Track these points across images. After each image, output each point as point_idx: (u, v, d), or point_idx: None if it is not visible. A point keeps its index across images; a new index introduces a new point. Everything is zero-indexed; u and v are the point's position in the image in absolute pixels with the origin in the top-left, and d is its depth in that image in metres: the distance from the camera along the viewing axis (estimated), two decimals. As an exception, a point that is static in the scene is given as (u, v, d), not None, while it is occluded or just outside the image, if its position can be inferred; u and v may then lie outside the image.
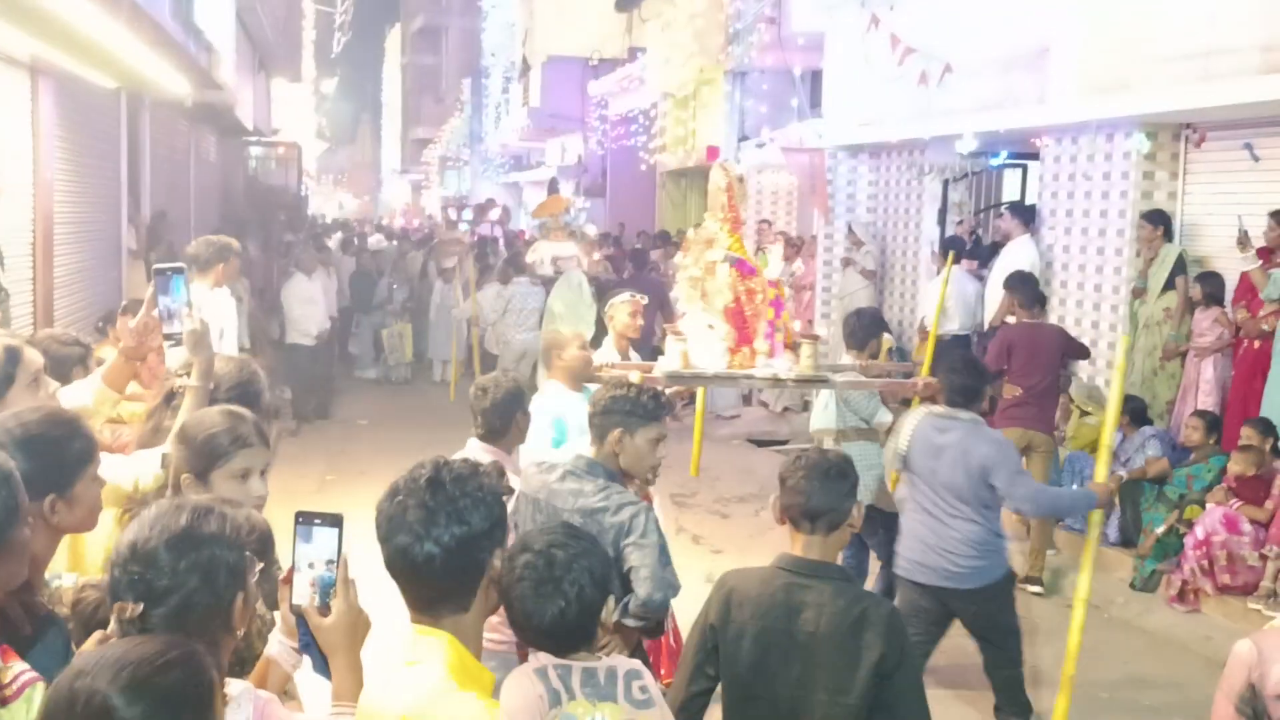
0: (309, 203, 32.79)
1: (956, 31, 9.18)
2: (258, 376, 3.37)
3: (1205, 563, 6.47)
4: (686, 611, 3.15)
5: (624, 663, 2.44)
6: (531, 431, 4.54)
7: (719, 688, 3.00)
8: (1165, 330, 7.90)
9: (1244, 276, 7.30)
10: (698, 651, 2.96)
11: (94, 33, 6.53)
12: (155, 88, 9.56)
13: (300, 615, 2.08)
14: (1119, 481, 6.94)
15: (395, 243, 19.40)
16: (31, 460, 2.19)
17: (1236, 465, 6.62)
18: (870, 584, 5.90)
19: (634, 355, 6.07)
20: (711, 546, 7.76)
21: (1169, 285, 7.85)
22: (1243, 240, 7.13)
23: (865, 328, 6.07)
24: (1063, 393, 7.98)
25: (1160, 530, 6.89)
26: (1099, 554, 6.34)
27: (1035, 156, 9.64)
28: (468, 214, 24.80)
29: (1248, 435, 6.66)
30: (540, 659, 2.36)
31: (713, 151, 14.93)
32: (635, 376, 4.88)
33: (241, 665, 2.19)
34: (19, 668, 1.93)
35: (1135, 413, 7.56)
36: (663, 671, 4.40)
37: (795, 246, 12.66)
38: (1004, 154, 10.75)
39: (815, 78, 12.87)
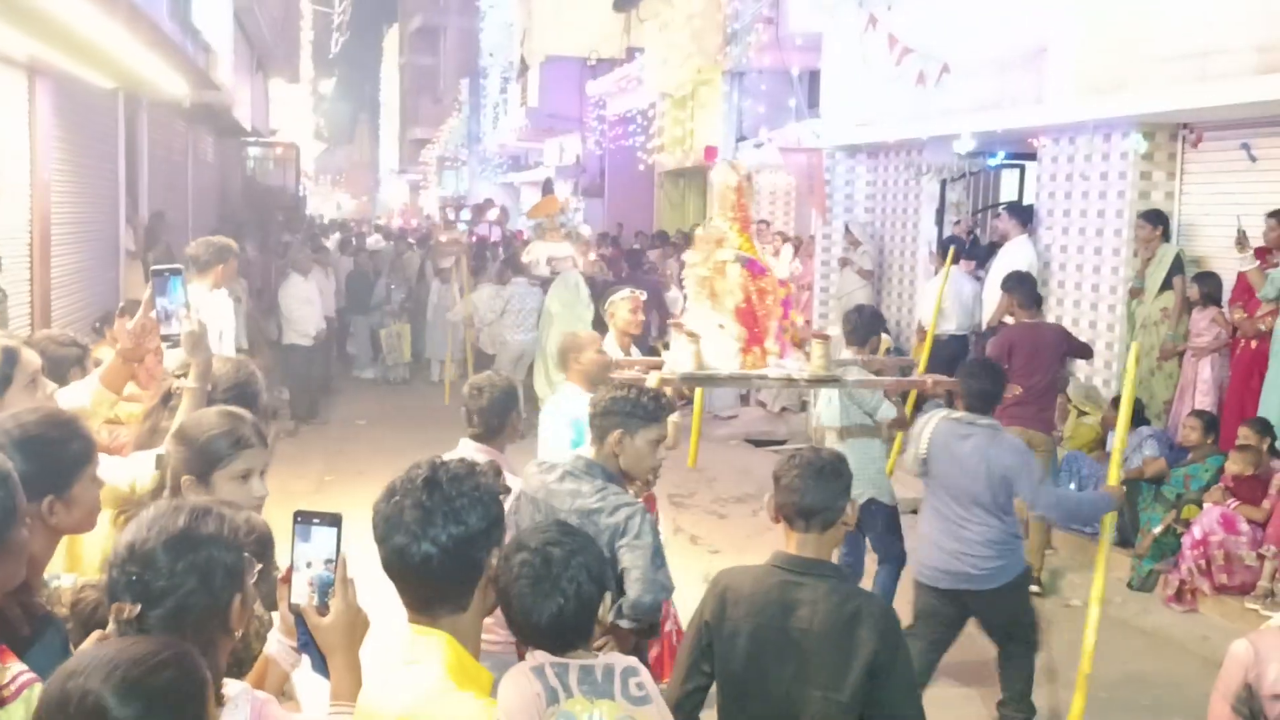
0: (307, 203, 32.77)
1: (954, 31, 9.18)
2: (255, 377, 3.37)
3: (1202, 562, 6.48)
4: (687, 611, 3.17)
5: (620, 660, 2.44)
6: (550, 434, 4.54)
7: (714, 685, 3.01)
8: (1163, 330, 7.91)
9: (1241, 276, 7.30)
10: (693, 649, 2.98)
11: (91, 33, 6.53)
12: (153, 88, 9.55)
13: (299, 614, 2.08)
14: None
15: (392, 243, 19.40)
16: (30, 461, 2.19)
17: (1234, 465, 6.63)
18: (868, 583, 5.90)
19: (634, 351, 6.08)
20: (709, 546, 7.77)
21: (1166, 285, 7.86)
22: (1241, 240, 7.14)
23: (866, 324, 6.12)
24: (1060, 393, 7.99)
25: (1158, 530, 6.90)
26: (1096, 553, 6.36)
27: (1033, 157, 9.65)
28: (466, 214, 24.81)
29: (1245, 435, 6.67)
30: (537, 657, 2.37)
31: (711, 151, 14.93)
32: (653, 379, 4.89)
33: (240, 666, 2.19)
34: (17, 668, 1.93)
35: (1132, 412, 7.57)
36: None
37: (794, 247, 12.68)
38: (1001, 154, 10.76)
39: (813, 78, 12.88)
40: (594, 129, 21.30)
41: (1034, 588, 6.88)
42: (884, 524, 5.82)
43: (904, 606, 6.29)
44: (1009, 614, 4.89)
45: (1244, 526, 6.45)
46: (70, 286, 8.18)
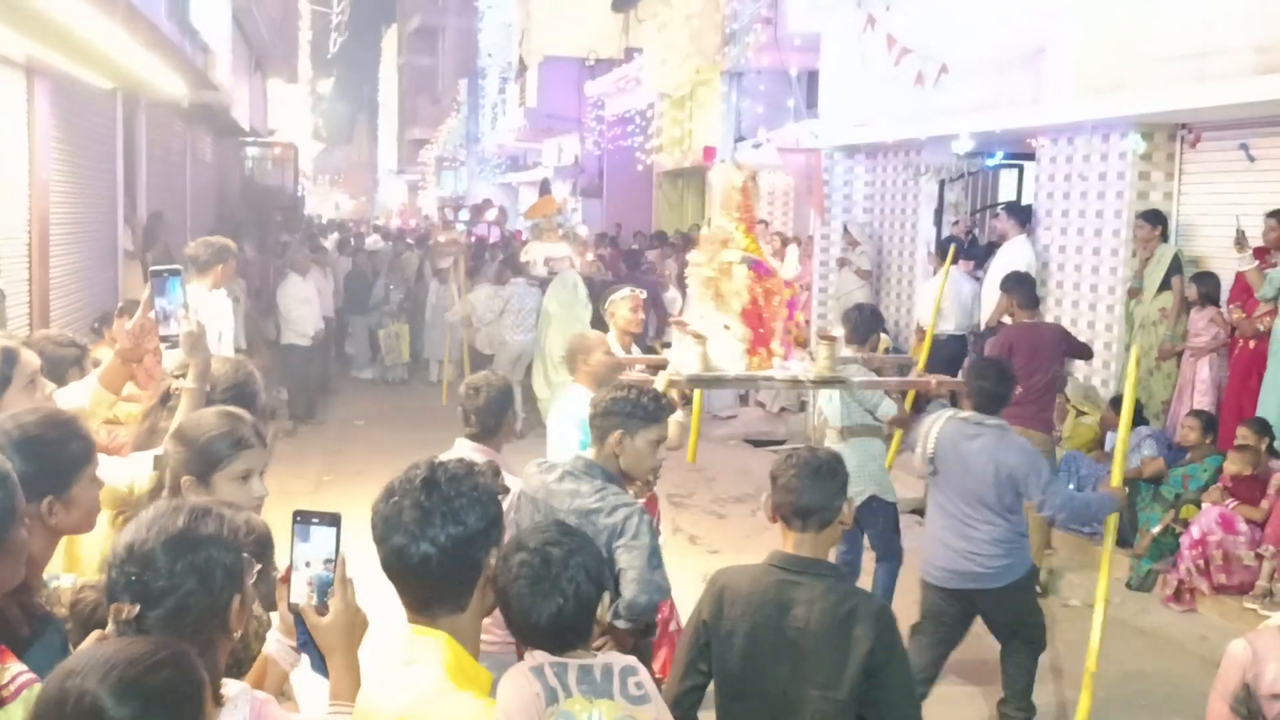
0: (305, 203, 32.76)
1: (952, 32, 9.19)
2: (253, 377, 3.37)
3: (1201, 562, 6.49)
4: (689, 611, 3.18)
5: (619, 659, 2.45)
6: (558, 436, 4.54)
7: (712, 684, 3.01)
8: (1161, 330, 7.92)
9: (1239, 276, 7.31)
10: (690, 648, 3.00)
11: (89, 33, 6.52)
12: (151, 88, 9.55)
13: (298, 614, 2.08)
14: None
15: (390, 244, 19.39)
16: (29, 462, 2.19)
17: (1232, 465, 6.63)
18: (865, 582, 5.92)
19: (635, 350, 6.08)
20: (708, 546, 7.77)
21: (1165, 285, 7.87)
22: (1240, 240, 7.14)
23: (866, 322, 6.17)
24: (1059, 392, 7.99)
25: (1156, 530, 6.90)
26: (1097, 554, 6.37)
27: (1031, 157, 9.66)
28: (464, 214, 24.80)
29: (1244, 435, 6.67)
30: (536, 657, 2.37)
31: (709, 152, 14.94)
32: (661, 380, 4.88)
33: (239, 666, 2.19)
34: (16, 669, 1.93)
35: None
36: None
37: (798, 247, 12.66)
38: (1000, 154, 10.77)
39: (811, 78, 12.88)
40: (592, 129, 21.30)
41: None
42: (884, 521, 5.87)
43: (902, 604, 6.31)
44: (1014, 613, 4.91)
45: (1242, 526, 6.45)
46: (69, 286, 8.18)
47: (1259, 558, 6.36)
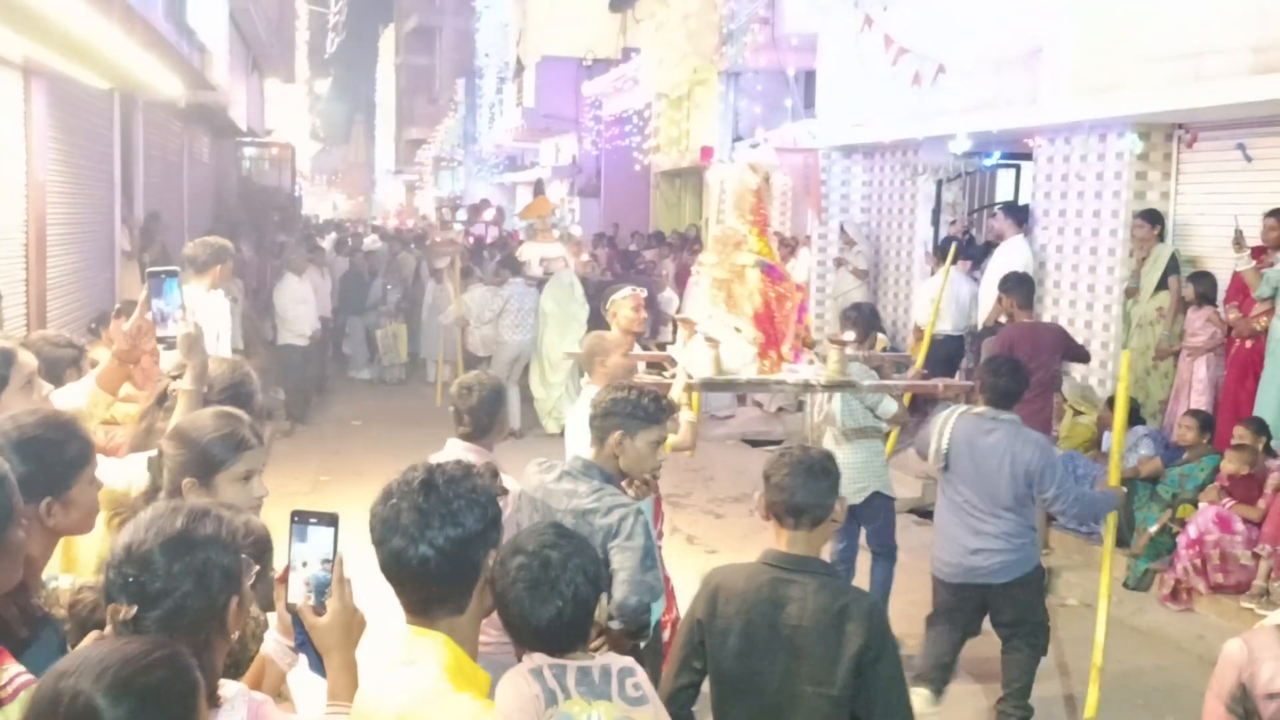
0: (303, 203, 32.75)
1: (949, 32, 9.19)
2: (250, 378, 3.37)
3: (1198, 562, 6.49)
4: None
5: (617, 660, 2.45)
6: (576, 436, 4.52)
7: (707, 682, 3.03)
8: (1158, 330, 7.93)
9: (1236, 276, 7.32)
10: (684, 646, 3.02)
11: (87, 33, 6.52)
12: (148, 88, 9.55)
13: (295, 614, 2.08)
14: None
15: (386, 244, 19.39)
16: (28, 463, 2.20)
17: (1230, 464, 6.64)
18: (861, 580, 5.94)
19: (635, 349, 6.08)
20: (706, 546, 7.78)
21: (1162, 285, 7.88)
22: (1239, 240, 7.14)
23: (865, 321, 6.22)
24: (1056, 392, 8.00)
25: (1153, 529, 6.90)
26: (1094, 553, 6.39)
27: (1028, 157, 9.66)
28: (461, 214, 24.81)
29: (1240, 434, 6.68)
30: (535, 659, 2.37)
31: (707, 152, 14.95)
32: (679, 384, 4.89)
33: (236, 666, 2.19)
34: (14, 670, 1.93)
35: (1128, 412, 7.58)
36: None
37: (789, 247, 12.69)
38: (997, 154, 10.78)
39: (809, 78, 12.89)
40: (590, 129, 21.31)
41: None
42: (885, 516, 5.95)
43: (900, 604, 6.31)
44: (1020, 610, 4.95)
45: (1239, 526, 6.46)
46: (66, 287, 8.17)
47: (1256, 557, 6.37)
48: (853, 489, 5.73)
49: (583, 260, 13.64)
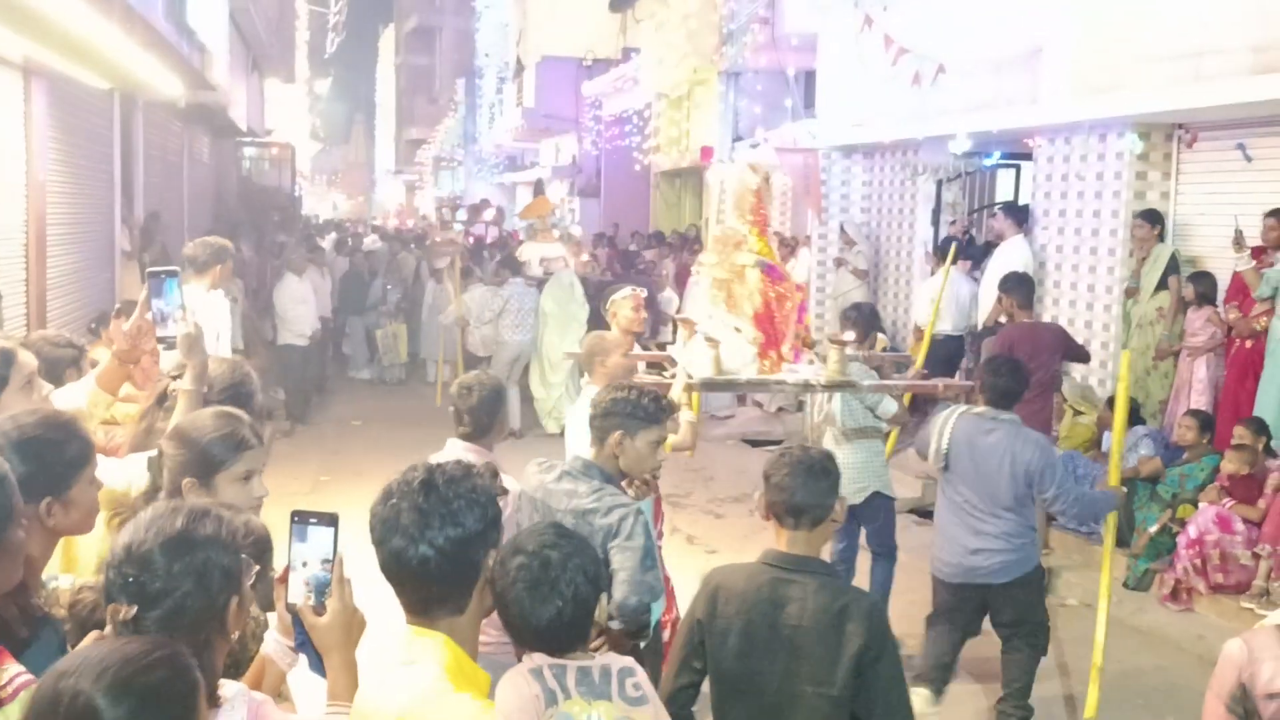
0: (303, 203, 32.76)
1: (949, 32, 9.20)
2: (250, 378, 3.37)
3: (1198, 562, 6.49)
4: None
5: (617, 660, 2.45)
6: (576, 436, 4.52)
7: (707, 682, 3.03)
8: (1158, 330, 7.93)
9: (1236, 276, 7.32)
10: (684, 646, 3.02)
11: (87, 34, 6.52)
12: (148, 88, 9.55)
13: (295, 614, 2.08)
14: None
15: (385, 244, 19.39)
16: (28, 463, 2.20)
17: (1230, 464, 6.64)
18: (861, 580, 5.95)
19: (636, 349, 6.08)
20: (706, 546, 7.78)
21: (1162, 285, 7.88)
22: (1239, 240, 7.13)
23: (865, 321, 6.24)
24: (1055, 392, 8.00)
25: (1153, 529, 6.90)
26: (1094, 553, 6.39)
27: (1028, 157, 9.66)
28: (461, 214, 24.82)
29: (1241, 434, 6.68)
30: (535, 659, 2.37)
31: (707, 152, 14.95)
32: (679, 384, 4.89)
33: (237, 666, 2.19)
34: (14, 670, 1.93)
35: (1128, 412, 7.58)
36: None
37: (789, 247, 12.69)
38: (997, 154, 10.78)
39: (809, 78, 12.90)
40: (590, 129, 21.31)
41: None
42: (885, 516, 5.97)
43: (899, 605, 6.31)
44: (1019, 610, 4.96)
45: (1239, 526, 6.46)
46: (66, 287, 8.18)
47: (1256, 557, 6.37)
48: (853, 489, 5.74)
49: (582, 260, 13.64)
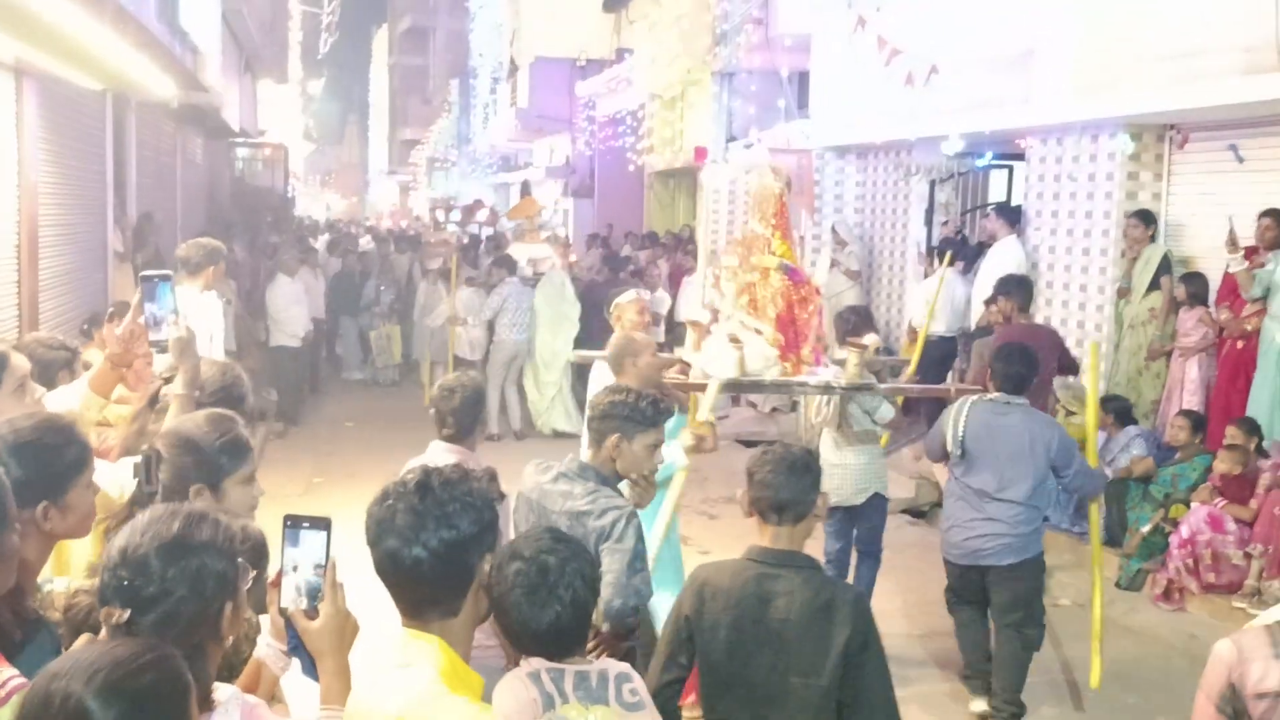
0: (296, 204, 32.70)
1: (942, 33, 9.21)
2: (241, 380, 3.38)
3: (1190, 561, 6.51)
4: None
5: (614, 665, 2.46)
6: None
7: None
8: (1150, 330, 7.95)
9: (1228, 277, 7.34)
10: (671, 642, 3.05)
11: (79, 35, 6.51)
12: (141, 89, 9.53)
13: (288, 618, 2.08)
14: (1103, 482, 7.04)
15: (376, 245, 19.35)
16: (25, 466, 2.20)
17: (1222, 464, 6.66)
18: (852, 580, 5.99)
19: None
20: (699, 547, 7.76)
21: (1154, 285, 7.90)
22: (1233, 241, 7.15)
23: (861, 324, 6.23)
24: (1050, 393, 8.02)
25: (1146, 529, 6.93)
26: (1086, 553, 6.40)
27: (1021, 157, 9.69)
28: (455, 215, 24.80)
29: (1233, 434, 6.70)
30: (533, 663, 2.37)
31: (700, 152, 14.95)
32: (712, 389, 4.90)
33: (230, 670, 2.19)
34: (8, 673, 1.93)
35: (1120, 412, 7.61)
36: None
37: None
38: (989, 155, 10.80)
39: (802, 79, 12.90)
40: (584, 130, 21.27)
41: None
42: (879, 516, 6.03)
43: (895, 606, 6.34)
44: (1015, 594, 5.05)
45: (1231, 526, 6.48)
46: (58, 289, 8.15)
47: (1247, 557, 6.39)
48: (855, 490, 5.81)
49: (571, 260, 13.67)
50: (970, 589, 5.21)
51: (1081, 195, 8.62)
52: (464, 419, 4.02)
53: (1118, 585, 6.91)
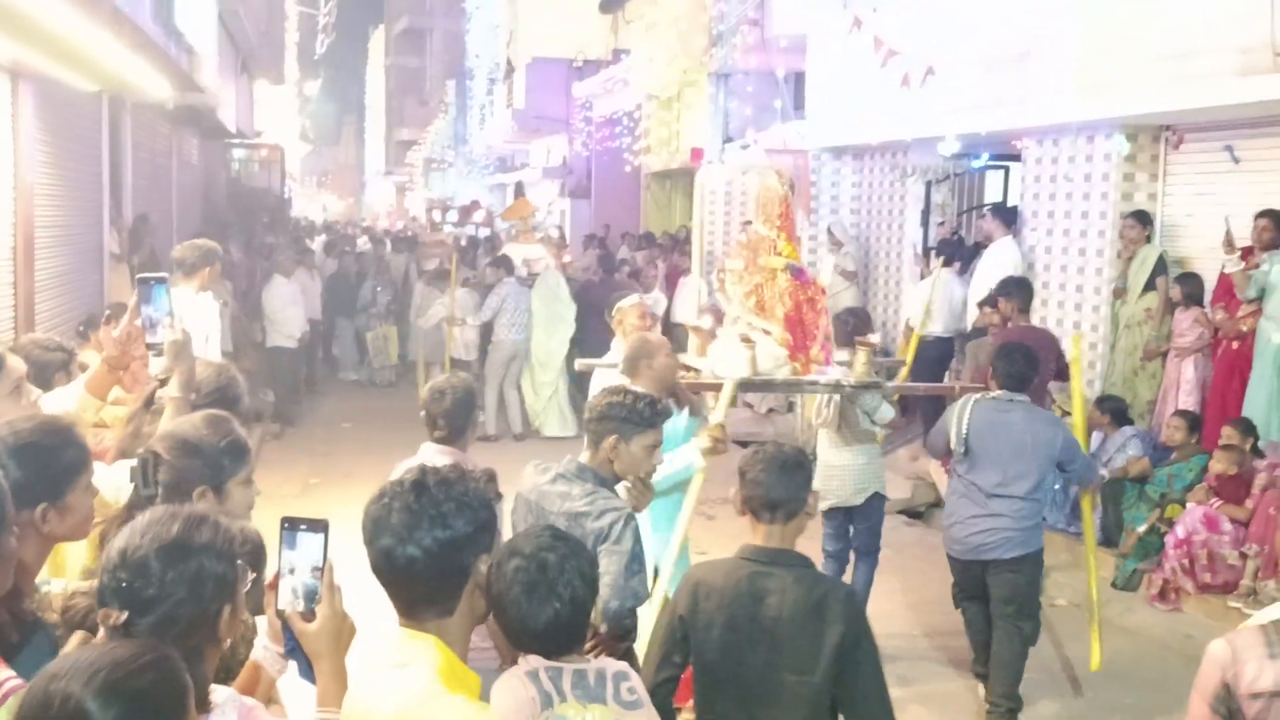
0: (292, 205, 32.66)
1: (939, 34, 9.22)
2: (236, 381, 3.38)
3: (1186, 561, 6.53)
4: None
5: (612, 664, 2.47)
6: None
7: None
8: (1146, 330, 7.96)
9: (1223, 277, 7.36)
10: (665, 641, 3.07)
11: (75, 36, 6.51)
12: (137, 91, 9.52)
13: (285, 620, 2.08)
14: (1101, 480, 7.05)
15: (372, 246, 19.35)
16: (25, 468, 2.20)
17: (1218, 464, 6.67)
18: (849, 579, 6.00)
19: None
20: (697, 548, 7.74)
21: (1149, 286, 7.92)
22: (1229, 242, 7.16)
23: (859, 326, 6.25)
24: (1047, 394, 8.03)
25: (1141, 529, 6.94)
26: (1082, 553, 6.41)
27: (1017, 158, 9.70)
28: (452, 215, 24.78)
29: (1228, 435, 6.72)
30: (531, 662, 2.38)
31: (697, 153, 14.95)
32: (727, 390, 4.92)
33: (227, 672, 2.19)
34: (5, 675, 1.93)
35: (1116, 413, 7.62)
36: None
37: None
38: (985, 156, 10.81)
39: (798, 80, 12.91)
40: (580, 130, 21.26)
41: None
42: (877, 516, 6.07)
43: (891, 607, 6.35)
44: (1013, 587, 5.11)
45: (1227, 526, 6.50)
46: (54, 290, 8.14)
47: (1243, 557, 6.41)
48: (855, 490, 5.84)
49: (565, 261, 13.69)
50: (973, 584, 5.29)
51: (1077, 196, 8.64)
52: (455, 421, 4.02)
53: (1114, 585, 6.92)
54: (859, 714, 2.96)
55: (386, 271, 16.02)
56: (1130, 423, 7.68)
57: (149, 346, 3.11)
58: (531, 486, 3.37)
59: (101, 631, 1.83)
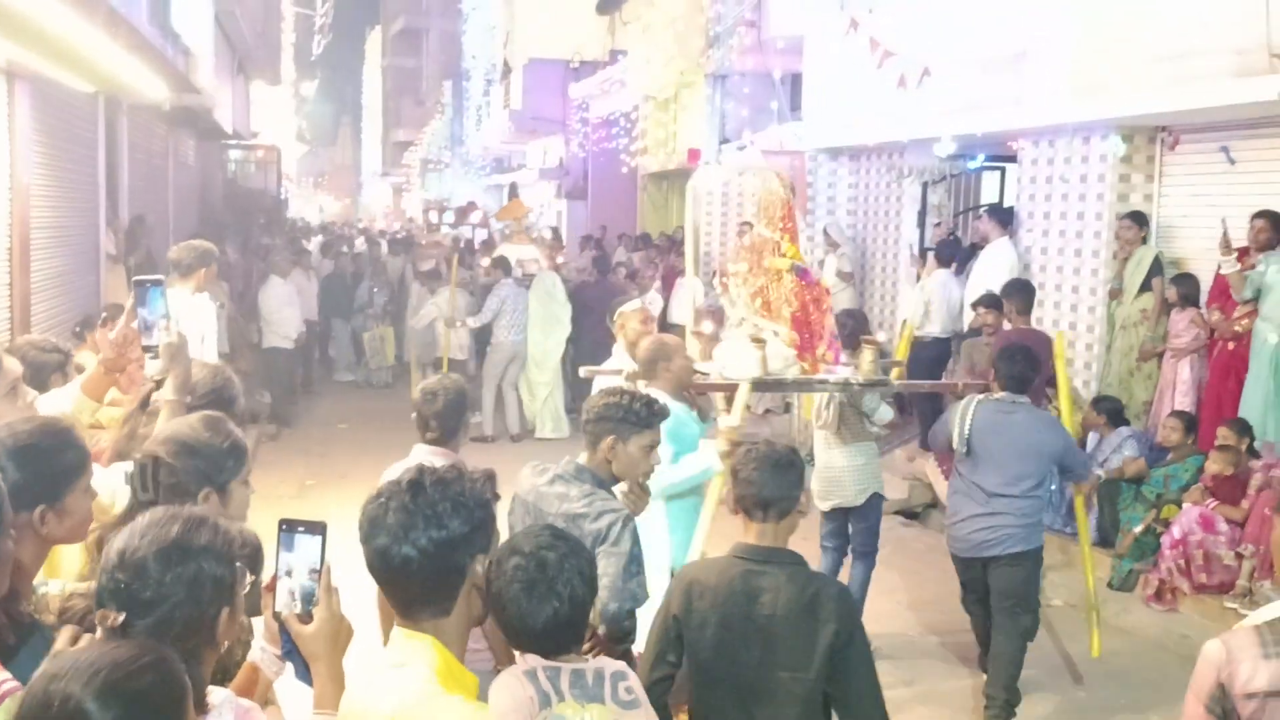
0: (289, 206, 32.63)
1: (935, 35, 9.23)
2: (232, 383, 3.37)
3: (1182, 562, 6.53)
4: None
5: (610, 664, 2.47)
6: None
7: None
8: (1142, 331, 7.98)
9: (1219, 278, 7.37)
10: (660, 640, 3.08)
11: (70, 37, 6.50)
12: (133, 91, 9.52)
13: (282, 622, 2.08)
14: (1098, 480, 7.07)
15: (368, 246, 19.33)
16: (23, 470, 2.19)
17: (1214, 465, 6.68)
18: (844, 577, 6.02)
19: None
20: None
21: (1145, 287, 7.93)
22: (1225, 242, 7.17)
23: (858, 328, 6.27)
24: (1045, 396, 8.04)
25: (1138, 530, 6.95)
26: (1078, 553, 6.42)
27: (1013, 159, 9.71)
28: (449, 216, 24.77)
29: (1225, 435, 6.72)
30: (529, 661, 2.38)
31: (694, 154, 14.96)
32: (742, 395, 4.94)
33: (224, 673, 2.19)
34: (1, 676, 1.93)
35: (1112, 413, 7.63)
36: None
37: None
38: (981, 157, 10.82)
39: (795, 81, 12.92)
40: (577, 131, 21.27)
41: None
42: (875, 516, 6.10)
43: (888, 606, 6.36)
44: (1012, 583, 5.16)
45: (1223, 526, 6.50)
46: (50, 291, 8.14)
47: (1239, 557, 6.41)
48: (855, 490, 5.86)
49: (559, 263, 13.70)
50: (974, 582, 5.35)
51: (1073, 197, 8.65)
52: (447, 422, 4.01)
53: (1110, 585, 6.93)
54: (852, 711, 2.98)
55: (383, 272, 16.01)
56: (1126, 423, 7.69)
57: (145, 349, 3.11)
58: (529, 488, 3.37)
59: (99, 632, 1.83)
